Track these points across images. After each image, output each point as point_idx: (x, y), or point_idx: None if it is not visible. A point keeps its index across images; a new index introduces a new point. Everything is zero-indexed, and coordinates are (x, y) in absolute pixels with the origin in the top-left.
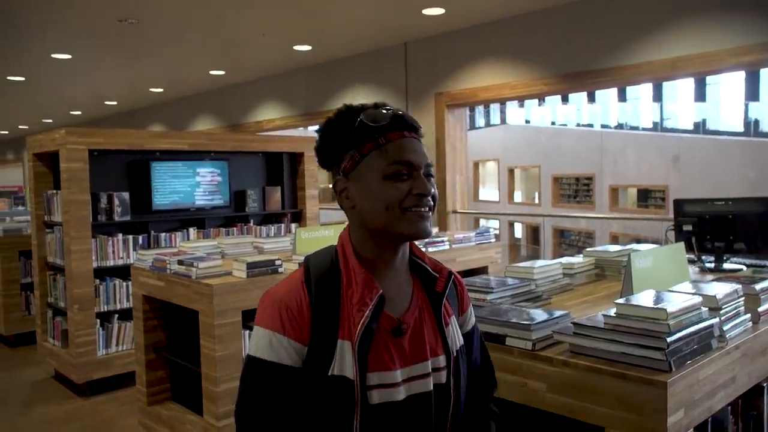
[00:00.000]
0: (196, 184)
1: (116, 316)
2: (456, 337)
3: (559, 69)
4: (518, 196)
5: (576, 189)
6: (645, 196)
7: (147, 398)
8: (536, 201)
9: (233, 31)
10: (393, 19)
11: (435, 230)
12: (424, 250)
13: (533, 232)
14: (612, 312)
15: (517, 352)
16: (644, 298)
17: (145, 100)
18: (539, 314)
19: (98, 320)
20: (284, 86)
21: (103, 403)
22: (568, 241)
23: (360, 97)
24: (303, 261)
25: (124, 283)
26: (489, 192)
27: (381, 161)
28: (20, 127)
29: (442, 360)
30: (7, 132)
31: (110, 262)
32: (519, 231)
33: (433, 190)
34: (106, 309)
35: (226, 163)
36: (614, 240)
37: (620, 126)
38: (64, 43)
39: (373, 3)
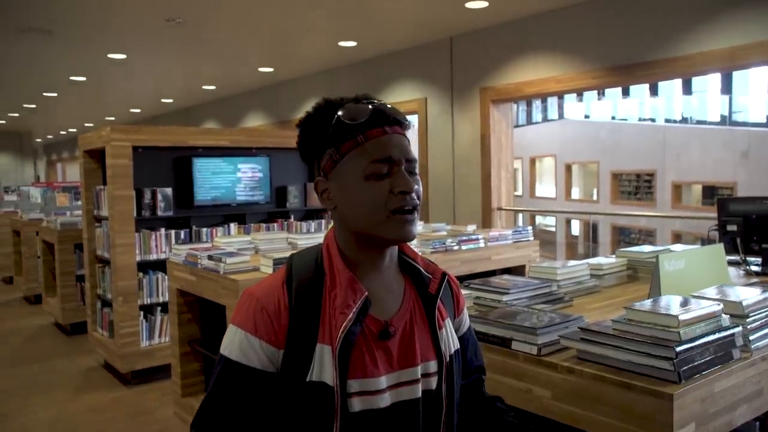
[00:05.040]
0: (237, 180)
1: (159, 308)
2: (450, 341)
3: (607, 61)
4: (576, 193)
5: (636, 186)
6: (711, 193)
7: (181, 390)
8: (594, 198)
9: (279, 29)
10: (437, 14)
11: (473, 227)
12: (457, 248)
13: (591, 230)
14: (622, 317)
15: (522, 357)
16: (659, 304)
17: (199, 98)
18: (550, 317)
19: (141, 312)
20: (330, 82)
21: (145, 392)
22: (627, 240)
23: (405, 92)
24: (287, 260)
25: (166, 277)
26: (546, 188)
27: (361, 160)
28: (86, 124)
29: (433, 365)
30: (75, 130)
31: (153, 256)
32: (576, 228)
33: (416, 187)
34: (149, 301)
35: (267, 159)
36: (676, 239)
37: (685, 120)
38: (118, 43)
39: None
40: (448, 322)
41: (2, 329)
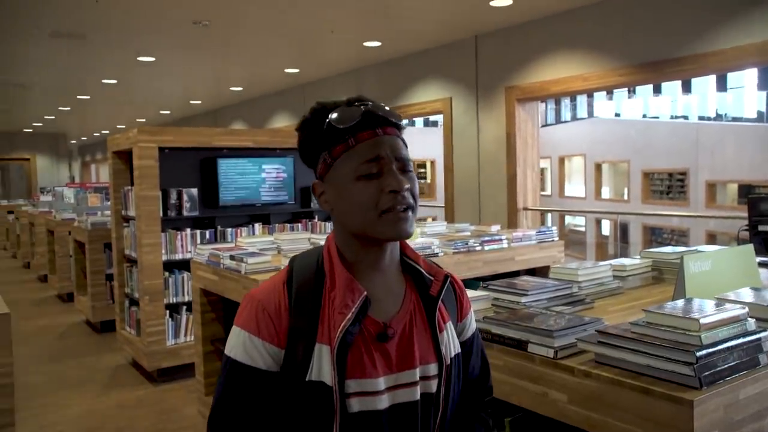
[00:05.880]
0: (261, 181)
1: (184, 307)
2: (451, 345)
3: (635, 58)
4: (606, 192)
5: (669, 185)
6: (747, 192)
7: (205, 389)
8: (625, 197)
9: (304, 30)
10: (462, 13)
11: (497, 228)
12: (480, 248)
13: (620, 230)
14: (641, 320)
15: (538, 360)
16: (680, 307)
17: (227, 99)
18: (567, 320)
19: (167, 311)
20: (356, 83)
21: (171, 390)
22: (659, 240)
23: (430, 92)
24: (288, 262)
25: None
26: (575, 188)
27: (352, 162)
28: (118, 126)
29: (433, 368)
30: (108, 132)
31: (178, 256)
32: (606, 228)
33: (407, 186)
34: (174, 301)
35: (291, 159)
36: (710, 239)
37: (719, 117)
38: (147, 47)
39: None
40: (450, 325)
41: (36, 326)
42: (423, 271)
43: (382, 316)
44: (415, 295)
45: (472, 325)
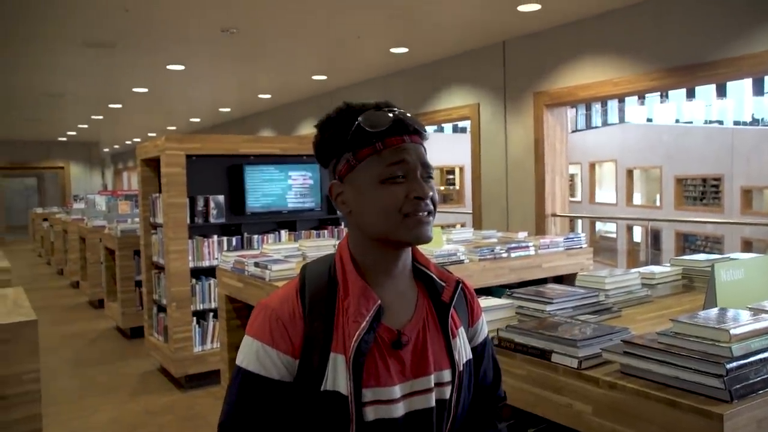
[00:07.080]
0: (288, 187)
1: (211, 314)
2: (463, 350)
3: (666, 62)
4: (638, 199)
5: (702, 191)
6: None
7: None
8: (657, 204)
9: (331, 37)
10: (489, 18)
11: (524, 234)
12: (506, 255)
13: (651, 237)
14: (668, 330)
15: (562, 370)
16: (709, 316)
17: (256, 107)
18: (593, 329)
19: (194, 318)
20: (383, 89)
21: (199, 397)
22: (692, 247)
23: (458, 97)
24: (300, 270)
25: None
26: (606, 194)
27: (377, 166)
28: (150, 134)
29: (447, 374)
30: (139, 139)
31: (205, 263)
32: (638, 235)
33: (431, 193)
34: (201, 307)
35: (317, 166)
36: (747, 246)
37: (756, 122)
38: (177, 55)
39: (467, 1)
40: (462, 331)
41: (68, 332)
42: (434, 277)
43: (395, 323)
44: (427, 301)
45: (483, 330)
